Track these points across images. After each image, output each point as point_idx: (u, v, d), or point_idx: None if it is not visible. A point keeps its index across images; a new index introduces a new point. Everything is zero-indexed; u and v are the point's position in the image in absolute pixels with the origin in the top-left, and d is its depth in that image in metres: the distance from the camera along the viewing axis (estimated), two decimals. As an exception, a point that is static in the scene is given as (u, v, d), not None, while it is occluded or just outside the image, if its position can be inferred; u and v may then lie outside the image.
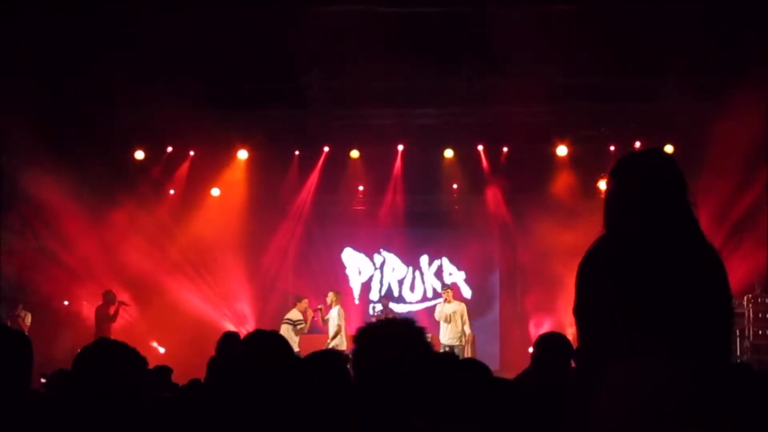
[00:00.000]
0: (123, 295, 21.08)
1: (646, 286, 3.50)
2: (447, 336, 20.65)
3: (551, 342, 7.04)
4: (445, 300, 21.11)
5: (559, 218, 21.19)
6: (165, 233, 22.73)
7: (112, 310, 20.68)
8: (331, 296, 21.03)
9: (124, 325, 21.38)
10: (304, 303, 20.87)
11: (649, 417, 3.34)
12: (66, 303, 22.22)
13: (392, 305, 23.88)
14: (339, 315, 20.46)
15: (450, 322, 20.69)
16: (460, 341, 20.64)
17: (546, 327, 21.02)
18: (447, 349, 19.84)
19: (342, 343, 19.61)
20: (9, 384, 4.93)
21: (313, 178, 23.69)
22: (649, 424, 3.34)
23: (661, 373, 3.37)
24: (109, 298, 20.81)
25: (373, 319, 18.79)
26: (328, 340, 19.87)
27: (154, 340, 21.43)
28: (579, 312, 3.67)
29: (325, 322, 20.68)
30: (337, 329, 20.27)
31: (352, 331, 4.89)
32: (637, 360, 3.39)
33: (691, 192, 3.78)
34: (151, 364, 10.84)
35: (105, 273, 21.70)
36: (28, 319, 20.73)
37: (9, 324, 19.13)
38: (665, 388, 3.36)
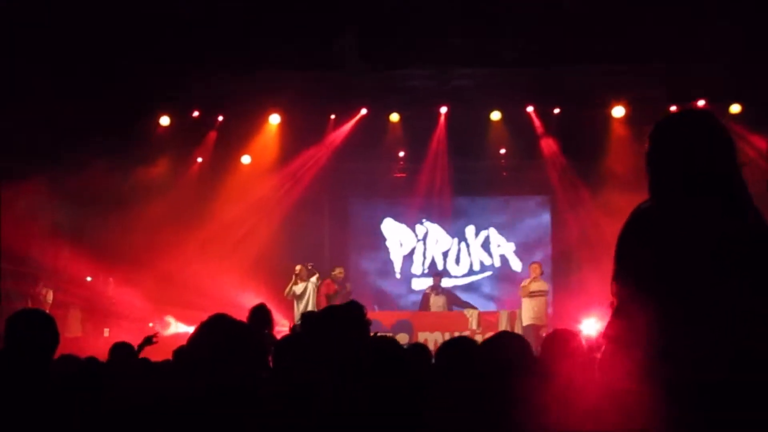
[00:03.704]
0: (142, 274, 21.12)
1: (678, 254, 3.52)
2: (529, 315, 20.70)
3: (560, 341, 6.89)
4: (533, 277, 21.08)
5: (616, 185, 20.83)
6: (192, 204, 22.52)
7: (333, 290, 21.10)
8: (302, 268, 21.25)
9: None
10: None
11: (675, 398, 3.40)
12: (89, 279, 22.24)
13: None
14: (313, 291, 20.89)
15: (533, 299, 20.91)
16: (545, 322, 20.71)
17: (601, 305, 20.73)
18: (528, 329, 20.07)
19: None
20: (31, 363, 5.35)
21: (346, 141, 23.21)
22: (676, 405, 3.41)
23: (692, 351, 3.40)
24: (339, 277, 21.38)
25: (427, 292, 18.69)
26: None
27: (171, 316, 21.46)
28: (616, 282, 3.72)
29: (291, 294, 20.93)
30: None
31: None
32: (669, 335, 3.44)
33: (738, 152, 3.77)
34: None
35: (127, 248, 21.63)
36: (50, 297, 20.76)
37: (30, 302, 19.24)
38: (696, 366, 3.38)
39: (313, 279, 20.93)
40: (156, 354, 10.02)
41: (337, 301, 20.09)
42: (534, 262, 21.64)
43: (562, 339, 6.91)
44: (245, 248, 22.57)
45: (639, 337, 3.50)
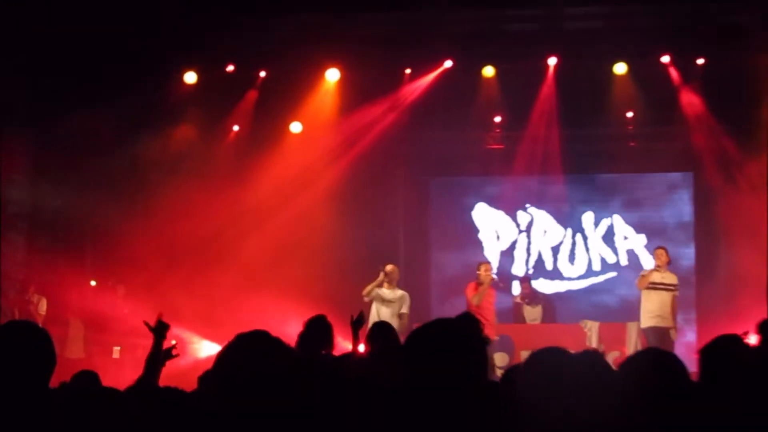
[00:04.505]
0: (160, 277, 21.05)
1: None
2: (649, 314, 19.76)
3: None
4: (657, 266, 20.09)
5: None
6: (225, 185, 22.20)
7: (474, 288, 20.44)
8: (393, 270, 20.10)
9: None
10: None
11: None
12: (93, 283, 22.26)
13: (543, 283, 23.49)
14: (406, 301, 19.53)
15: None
16: (672, 323, 19.78)
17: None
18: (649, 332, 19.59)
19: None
20: (25, 386, 5.40)
21: (425, 103, 22.81)
22: None
23: None
24: (487, 278, 20.68)
25: (518, 302, 18.64)
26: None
27: (200, 330, 21.35)
28: None
29: (375, 296, 19.82)
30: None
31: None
32: None
33: None
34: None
35: (140, 244, 21.51)
36: (43, 306, 20.72)
37: (17, 313, 19.28)
38: None
39: (402, 294, 20.06)
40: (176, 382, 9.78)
41: (485, 301, 19.63)
42: (659, 247, 20.99)
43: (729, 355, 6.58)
44: (294, 243, 21.89)
45: None
